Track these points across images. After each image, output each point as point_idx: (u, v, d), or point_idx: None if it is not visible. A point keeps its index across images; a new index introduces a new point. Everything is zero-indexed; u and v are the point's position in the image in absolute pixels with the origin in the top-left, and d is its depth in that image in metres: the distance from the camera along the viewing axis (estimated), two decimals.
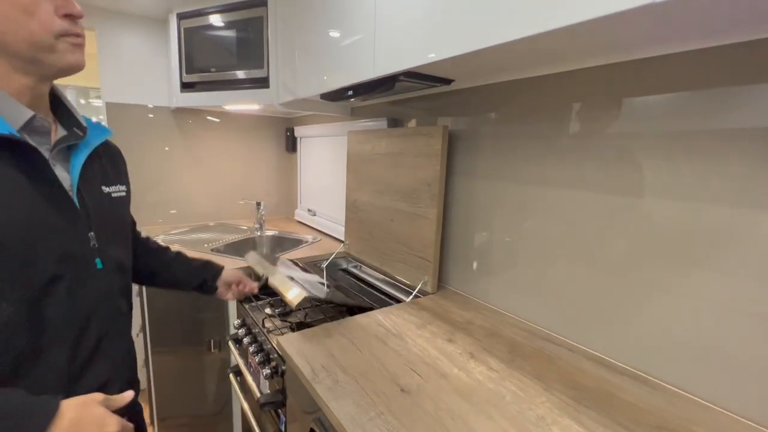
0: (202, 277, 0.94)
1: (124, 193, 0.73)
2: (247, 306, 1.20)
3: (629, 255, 0.77)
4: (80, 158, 0.62)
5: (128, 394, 0.56)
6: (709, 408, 0.67)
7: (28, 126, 0.56)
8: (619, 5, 0.47)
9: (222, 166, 2.14)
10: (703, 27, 0.57)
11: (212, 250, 1.62)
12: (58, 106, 0.64)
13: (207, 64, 1.63)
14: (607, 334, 0.82)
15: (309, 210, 2.09)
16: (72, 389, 0.57)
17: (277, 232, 1.94)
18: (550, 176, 0.90)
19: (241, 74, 1.57)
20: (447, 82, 1.05)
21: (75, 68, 0.57)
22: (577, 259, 0.86)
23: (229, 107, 1.78)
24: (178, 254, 0.96)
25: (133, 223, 0.84)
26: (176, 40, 1.67)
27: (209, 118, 2.07)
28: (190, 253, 0.98)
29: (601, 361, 0.81)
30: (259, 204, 1.90)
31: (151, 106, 1.89)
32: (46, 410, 0.47)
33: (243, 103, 1.63)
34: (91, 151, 0.65)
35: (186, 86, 1.71)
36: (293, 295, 0.93)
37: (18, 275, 0.52)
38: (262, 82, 1.52)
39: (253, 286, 1.00)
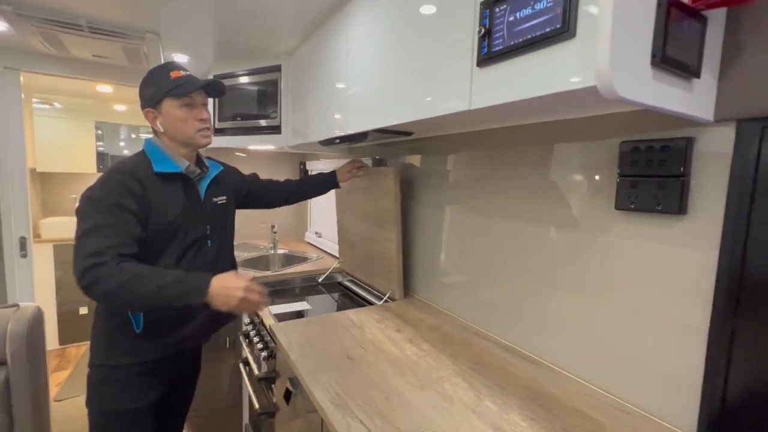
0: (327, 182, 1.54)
1: (225, 201, 1.22)
2: None
3: (536, 268, 1.03)
4: (205, 184, 1.15)
5: (249, 274, 1.03)
6: (569, 377, 0.91)
7: (186, 170, 1.09)
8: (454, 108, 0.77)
9: None
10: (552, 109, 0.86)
11: None
12: (198, 159, 1.19)
13: (235, 114, 2.04)
14: (518, 328, 1.07)
15: (316, 232, 2.42)
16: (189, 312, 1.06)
17: (287, 251, 2.27)
18: (485, 207, 1.18)
19: (261, 122, 1.96)
20: (408, 134, 1.37)
21: (205, 146, 1.10)
22: (502, 272, 1.12)
23: (252, 147, 2.17)
24: (306, 178, 1.59)
25: (257, 179, 1.49)
26: None
27: (237, 153, 2.49)
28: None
29: (509, 349, 1.06)
30: (273, 226, 2.25)
31: None
32: (206, 276, 0.91)
33: (262, 145, 2.01)
34: (211, 180, 1.16)
35: (218, 131, 2.12)
36: None
37: (177, 242, 1.03)
38: (276, 129, 1.90)
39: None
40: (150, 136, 1.12)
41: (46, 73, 2.00)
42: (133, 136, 3.94)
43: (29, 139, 2.47)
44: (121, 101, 3.49)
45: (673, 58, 0.53)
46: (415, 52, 0.90)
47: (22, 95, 1.98)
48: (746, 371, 0.66)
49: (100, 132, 3.57)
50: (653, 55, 0.52)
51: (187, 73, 1.09)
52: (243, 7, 1.36)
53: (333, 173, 1.53)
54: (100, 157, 3.54)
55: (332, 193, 2.10)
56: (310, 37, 1.57)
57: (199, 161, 1.17)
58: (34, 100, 3.04)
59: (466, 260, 1.25)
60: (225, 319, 1.18)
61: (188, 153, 1.11)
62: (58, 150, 3.20)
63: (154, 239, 0.99)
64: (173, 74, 1.05)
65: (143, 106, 1.07)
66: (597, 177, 0.86)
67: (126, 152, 4.01)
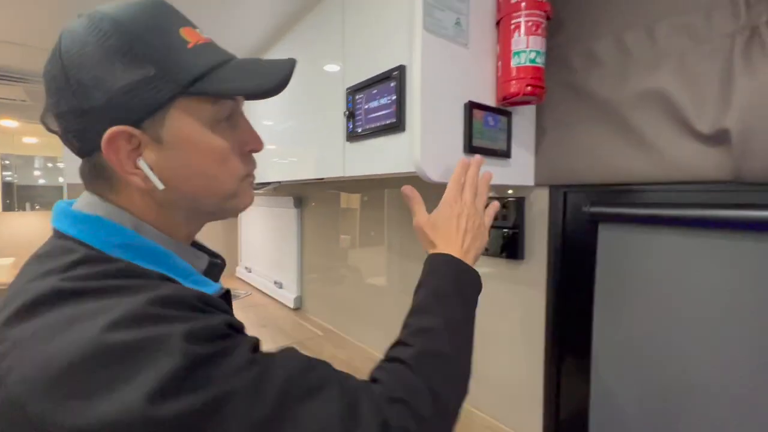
0: None
1: None
2: None
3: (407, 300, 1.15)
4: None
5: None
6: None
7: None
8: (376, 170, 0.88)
9: None
10: None
11: None
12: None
13: None
14: None
15: (246, 267, 2.41)
16: None
17: None
18: (367, 239, 1.30)
19: None
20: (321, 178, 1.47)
21: (247, 207, 0.49)
22: (387, 298, 1.23)
23: None
24: None
25: None
26: None
27: None
28: None
29: None
30: None
31: None
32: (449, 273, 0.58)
33: None
34: None
35: None
36: None
37: None
38: None
39: None
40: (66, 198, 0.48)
41: None
42: (50, 165, 3.72)
43: None
44: (31, 134, 3.30)
45: (480, 147, 0.68)
46: (307, 123, 1.01)
47: None
48: (572, 388, 0.81)
49: (7, 162, 3.35)
50: (464, 146, 0.66)
51: (207, 40, 0.42)
52: None
53: None
54: (7, 187, 3.30)
55: (266, 226, 2.14)
56: None
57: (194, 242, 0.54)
58: None
59: (360, 288, 1.35)
60: None
61: (195, 231, 0.51)
62: None
63: None
64: (186, 34, 0.40)
65: (87, 124, 0.38)
66: None
67: (42, 182, 3.75)
